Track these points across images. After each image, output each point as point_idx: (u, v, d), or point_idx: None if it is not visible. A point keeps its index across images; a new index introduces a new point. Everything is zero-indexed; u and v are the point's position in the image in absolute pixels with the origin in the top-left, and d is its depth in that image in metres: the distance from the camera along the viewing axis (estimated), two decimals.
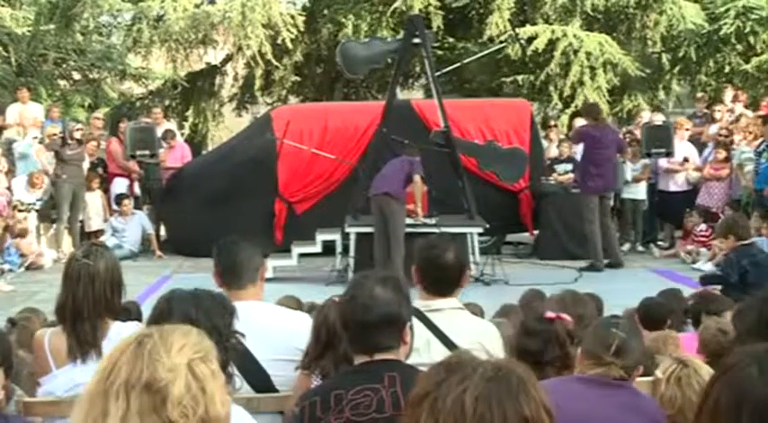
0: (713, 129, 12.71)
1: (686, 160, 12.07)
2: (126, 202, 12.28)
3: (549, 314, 3.02)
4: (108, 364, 1.59)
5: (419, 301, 3.25)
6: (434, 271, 3.31)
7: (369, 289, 2.53)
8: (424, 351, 2.98)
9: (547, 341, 3.03)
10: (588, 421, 2.49)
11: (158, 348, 1.57)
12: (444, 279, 3.31)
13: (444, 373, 1.57)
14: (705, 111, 13.68)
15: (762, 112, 12.60)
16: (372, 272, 2.75)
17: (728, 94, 13.58)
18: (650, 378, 2.91)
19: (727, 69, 15.54)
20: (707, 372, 2.70)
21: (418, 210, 9.76)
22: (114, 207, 12.53)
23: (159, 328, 1.66)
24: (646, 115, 13.29)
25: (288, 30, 15.30)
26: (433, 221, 9.76)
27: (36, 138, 12.56)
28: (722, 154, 11.75)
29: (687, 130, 12.50)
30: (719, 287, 6.85)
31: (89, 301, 3.19)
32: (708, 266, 10.42)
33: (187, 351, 1.59)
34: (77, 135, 12.21)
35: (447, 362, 1.60)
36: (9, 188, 11.79)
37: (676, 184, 12.21)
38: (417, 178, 9.53)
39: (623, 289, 7.62)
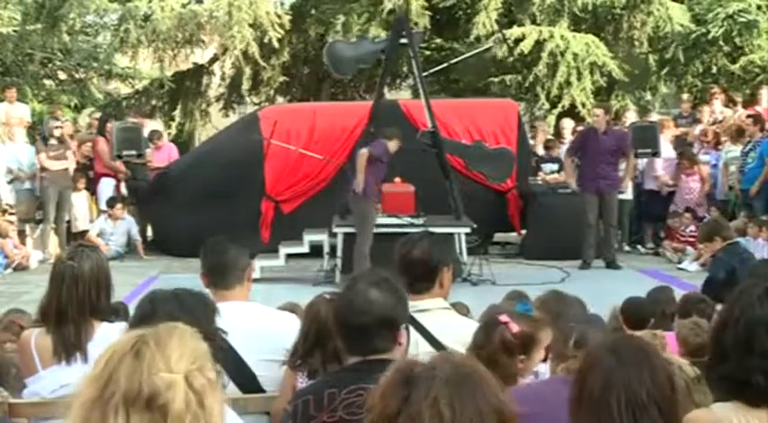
0: (698, 129, 12.79)
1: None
2: (118, 205, 12.18)
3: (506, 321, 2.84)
4: (104, 373, 1.57)
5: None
6: (401, 267, 3.23)
7: (364, 291, 2.52)
8: (412, 351, 2.98)
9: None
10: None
11: (156, 360, 1.56)
12: (413, 276, 3.19)
13: (406, 388, 1.57)
14: (691, 111, 13.75)
15: (748, 112, 12.65)
16: (367, 273, 2.73)
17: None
18: None
19: (714, 70, 15.60)
20: (690, 369, 2.70)
21: (359, 177, 9.34)
22: (102, 208, 12.45)
23: (155, 332, 1.62)
24: (631, 116, 13.32)
25: (275, 29, 15.27)
26: (420, 222, 9.75)
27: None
28: (686, 164, 11.88)
29: (671, 128, 12.61)
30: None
31: (73, 303, 3.18)
32: (693, 266, 10.48)
33: (185, 362, 1.58)
34: (56, 133, 12.02)
35: (404, 376, 1.61)
36: None
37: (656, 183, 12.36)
38: (363, 150, 9.37)
39: (609, 289, 7.64)
